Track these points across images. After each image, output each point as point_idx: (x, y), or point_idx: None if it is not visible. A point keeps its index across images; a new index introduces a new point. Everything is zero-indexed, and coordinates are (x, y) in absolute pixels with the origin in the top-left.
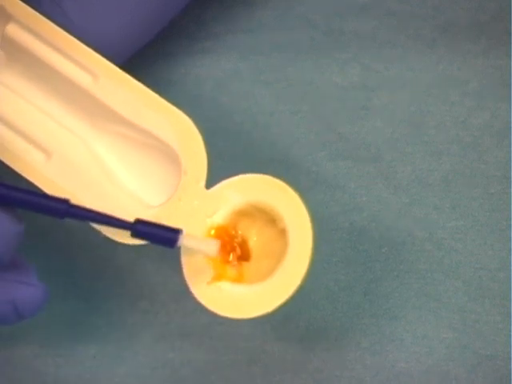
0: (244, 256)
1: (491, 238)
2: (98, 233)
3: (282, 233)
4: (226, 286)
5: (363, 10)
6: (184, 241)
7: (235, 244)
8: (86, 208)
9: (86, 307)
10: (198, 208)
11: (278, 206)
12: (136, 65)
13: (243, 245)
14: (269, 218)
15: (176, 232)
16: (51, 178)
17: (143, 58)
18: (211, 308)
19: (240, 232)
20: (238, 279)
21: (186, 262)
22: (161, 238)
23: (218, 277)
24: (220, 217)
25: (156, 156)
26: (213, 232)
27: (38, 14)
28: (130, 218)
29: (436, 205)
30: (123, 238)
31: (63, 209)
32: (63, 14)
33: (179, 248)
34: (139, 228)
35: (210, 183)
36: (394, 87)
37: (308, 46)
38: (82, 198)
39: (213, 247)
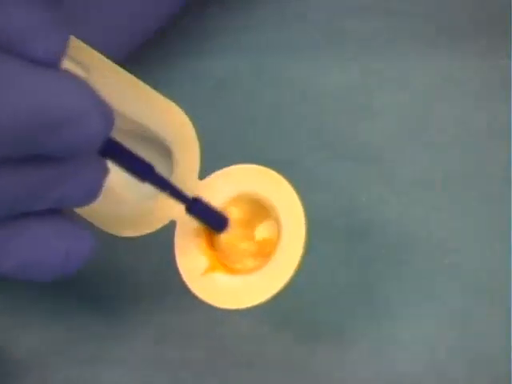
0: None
1: (491, 237)
2: (99, 232)
3: (276, 222)
4: (219, 276)
5: (363, 10)
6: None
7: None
8: (163, 177)
9: (85, 307)
10: None
11: (270, 196)
12: (136, 65)
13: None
14: (263, 208)
15: (226, 220)
16: None
17: (143, 57)
18: (205, 299)
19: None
20: (233, 270)
21: (180, 253)
22: (212, 220)
23: (212, 267)
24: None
25: (148, 147)
26: None
27: None
28: (124, 209)
29: (436, 205)
30: (122, 231)
31: (148, 173)
32: (61, 12)
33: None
34: (196, 206)
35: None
36: (394, 87)
37: (308, 45)
38: None
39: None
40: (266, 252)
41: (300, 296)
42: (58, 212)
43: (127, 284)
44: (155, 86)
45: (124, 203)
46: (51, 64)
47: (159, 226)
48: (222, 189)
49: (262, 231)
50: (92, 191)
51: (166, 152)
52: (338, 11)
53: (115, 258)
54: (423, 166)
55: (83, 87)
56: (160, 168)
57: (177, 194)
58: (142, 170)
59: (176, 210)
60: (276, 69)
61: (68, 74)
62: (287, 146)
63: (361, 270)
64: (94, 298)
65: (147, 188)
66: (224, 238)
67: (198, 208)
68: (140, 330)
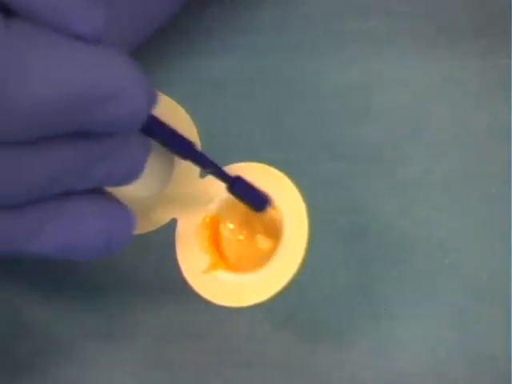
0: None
1: (491, 237)
2: None
3: (279, 221)
4: (221, 274)
5: (363, 10)
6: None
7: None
8: (205, 155)
9: (85, 307)
10: (193, 197)
11: (273, 194)
12: None
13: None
14: None
15: (268, 199)
16: None
17: (143, 57)
18: (206, 297)
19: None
20: (235, 268)
21: (181, 251)
22: (254, 200)
23: (214, 265)
24: (215, 205)
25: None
26: (207, 220)
27: None
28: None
29: (436, 205)
30: None
31: (190, 150)
32: None
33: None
34: (238, 185)
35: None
36: (394, 87)
37: (308, 45)
38: None
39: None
40: (265, 250)
41: (300, 296)
42: (100, 191)
43: (128, 282)
44: (155, 86)
45: (126, 201)
46: (95, 40)
47: (161, 224)
48: (222, 187)
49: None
50: (135, 169)
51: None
52: (338, 11)
53: (116, 256)
54: (423, 166)
55: (128, 63)
56: (161, 167)
57: (219, 172)
58: (183, 148)
59: (177, 208)
60: (276, 69)
61: (112, 50)
62: (287, 146)
63: (361, 269)
64: (94, 298)
65: (149, 186)
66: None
67: (240, 187)
68: (140, 330)
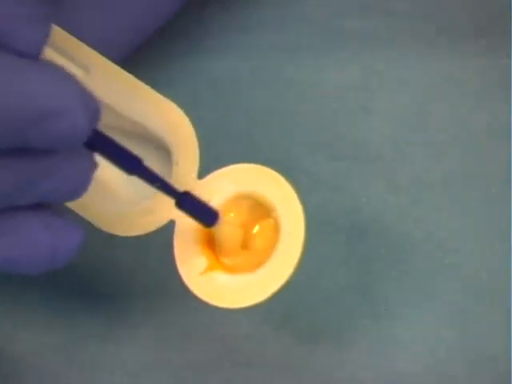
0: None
1: (491, 237)
2: (98, 232)
3: (276, 222)
4: (218, 276)
5: (363, 10)
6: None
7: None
8: (151, 170)
9: (85, 307)
10: None
11: (270, 195)
12: (135, 64)
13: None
14: (262, 207)
15: (216, 214)
16: None
17: (142, 57)
18: (204, 298)
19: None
20: (232, 269)
21: (179, 252)
22: (202, 215)
23: (211, 267)
24: (213, 207)
25: (147, 147)
26: None
27: None
28: (123, 209)
29: (436, 205)
30: (122, 231)
31: (136, 166)
32: (61, 12)
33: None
34: (185, 200)
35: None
36: (394, 87)
37: (308, 45)
38: None
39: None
40: (262, 251)
41: (300, 296)
42: (47, 206)
43: (126, 284)
44: (155, 86)
45: (123, 203)
46: (32, 56)
47: (158, 225)
48: (221, 188)
49: (260, 229)
50: (79, 185)
51: (166, 152)
52: (338, 11)
53: (114, 257)
54: (423, 166)
55: (66, 79)
56: (159, 168)
57: (166, 187)
58: (129, 163)
59: (175, 210)
60: (276, 69)
61: (51, 66)
62: (287, 145)
63: (360, 269)
64: (94, 299)
65: (146, 187)
66: (220, 234)
67: (187, 202)
68: (140, 331)
